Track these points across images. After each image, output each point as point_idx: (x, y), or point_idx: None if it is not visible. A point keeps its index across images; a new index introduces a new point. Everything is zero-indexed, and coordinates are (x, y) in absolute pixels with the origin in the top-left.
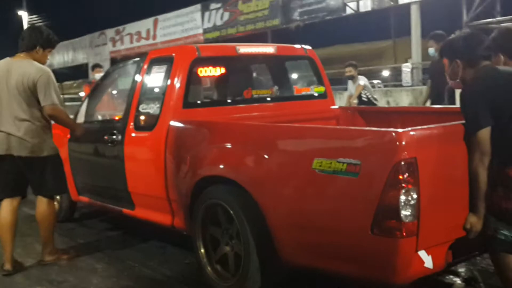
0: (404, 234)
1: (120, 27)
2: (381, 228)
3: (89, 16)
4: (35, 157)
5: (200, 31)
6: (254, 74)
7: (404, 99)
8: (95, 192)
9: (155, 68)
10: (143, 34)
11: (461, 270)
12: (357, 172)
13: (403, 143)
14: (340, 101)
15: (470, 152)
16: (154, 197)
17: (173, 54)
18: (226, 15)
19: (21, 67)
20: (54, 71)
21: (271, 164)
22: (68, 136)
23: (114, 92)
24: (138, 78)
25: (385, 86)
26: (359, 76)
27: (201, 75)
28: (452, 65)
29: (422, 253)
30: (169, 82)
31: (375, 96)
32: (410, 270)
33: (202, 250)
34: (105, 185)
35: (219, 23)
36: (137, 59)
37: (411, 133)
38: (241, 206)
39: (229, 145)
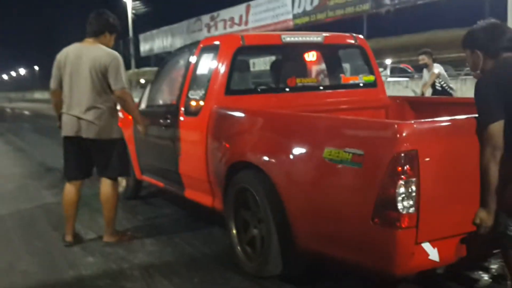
0: (403, 225)
1: (215, 13)
2: (381, 218)
3: (187, 1)
4: (102, 139)
5: (290, 16)
6: (301, 63)
7: None
8: (154, 172)
9: (204, 56)
10: (236, 20)
11: (493, 266)
12: (360, 162)
13: (404, 134)
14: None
15: (482, 146)
16: (198, 179)
17: (219, 43)
18: (316, 0)
19: (93, 52)
20: (155, 55)
21: (289, 152)
22: None
23: (172, 78)
24: (190, 65)
25: None
26: (434, 64)
27: (245, 63)
28: (473, 56)
29: (426, 246)
30: (213, 69)
31: (451, 85)
32: (412, 262)
33: (234, 231)
34: (161, 166)
35: (308, 8)
36: (191, 46)
37: (414, 125)
38: (264, 191)
39: (254, 132)
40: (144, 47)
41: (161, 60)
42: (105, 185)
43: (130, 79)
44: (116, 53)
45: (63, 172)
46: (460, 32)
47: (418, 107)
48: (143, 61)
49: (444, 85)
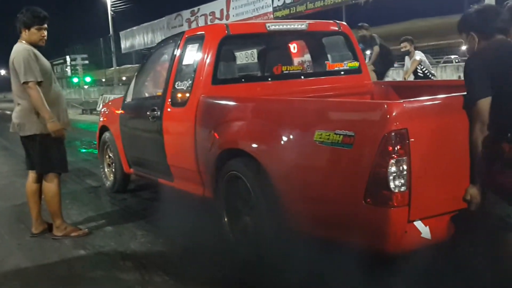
0: (395, 204)
1: (195, 8)
2: (373, 198)
3: None
4: (23, 136)
5: (270, 9)
6: (286, 51)
7: None
8: (142, 165)
9: (189, 47)
10: (217, 15)
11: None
12: (351, 143)
13: (394, 114)
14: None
15: (471, 123)
16: (187, 169)
17: (204, 33)
18: None
19: (12, 51)
20: (136, 52)
21: (279, 137)
22: (120, 111)
23: (157, 69)
24: (175, 56)
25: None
26: (416, 51)
27: (230, 52)
28: (468, 38)
29: (418, 224)
30: (199, 59)
31: (432, 72)
32: (405, 240)
33: (226, 219)
34: (150, 158)
35: (288, 0)
36: (175, 38)
37: (404, 105)
38: (255, 178)
39: (243, 119)
40: (125, 44)
41: (143, 57)
42: (44, 180)
43: (111, 77)
44: (22, 47)
45: None
46: (438, 20)
47: (403, 91)
48: (124, 58)
49: (426, 71)
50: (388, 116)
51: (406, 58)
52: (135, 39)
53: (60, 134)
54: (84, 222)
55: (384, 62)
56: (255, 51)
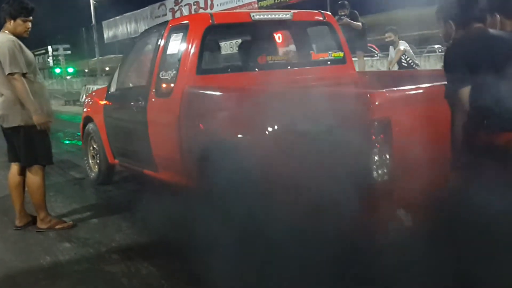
0: (378, 193)
1: None
2: (357, 188)
3: None
4: (6, 127)
5: None
6: (270, 41)
7: None
8: (127, 155)
9: (173, 36)
10: (201, 4)
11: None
12: (336, 133)
13: (376, 103)
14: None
15: (452, 112)
16: (172, 160)
17: (188, 22)
18: None
19: None
20: (120, 42)
21: (264, 127)
22: (104, 102)
23: (141, 60)
24: (159, 46)
25: None
26: (400, 41)
27: (215, 42)
28: (446, 26)
29: (400, 211)
30: (184, 49)
31: (416, 62)
32: (388, 228)
33: None
34: (134, 149)
35: None
36: (159, 27)
37: (386, 94)
38: None
39: (228, 109)
40: (107, 34)
41: (126, 47)
42: (28, 172)
43: (94, 67)
44: (6, 38)
45: None
46: (422, 10)
47: (387, 81)
48: (107, 48)
49: (410, 61)
50: (370, 105)
51: (391, 48)
52: (118, 29)
53: (46, 126)
54: (68, 215)
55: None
56: (240, 41)
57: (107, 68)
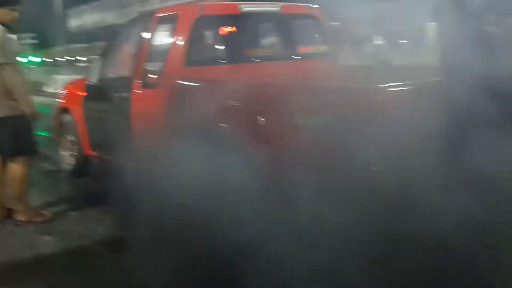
0: None
1: None
2: None
3: None
4: None
5: None
6: (259, 33)
7: None
8: (106, 147)
9: (161, 27)
10: None
11: None
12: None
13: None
14: None
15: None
16: (156, 153)
17: (178, 13)
18: None
19: None
20: (86, 31)
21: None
22: (83, 93)
23: (126, 50)
24: (145, 36)
25: None
26: (378, 36)
27: (204, 33)
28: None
29: None
30: (172, 40)
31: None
32: None
33: None
34: (115, 141)
35: None
36: (145, 17)
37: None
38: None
39: (218, 102)
40: (74, 23)
41: (94, 36)
42: (13, 163)
43: (60, 57)
44: None
45: None
46: (403, 3)
47: (372, 75)
48: (73, 37)
49: (389, 55)
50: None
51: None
52: (84, 18)
53: (37, 117)
54: (45, 207)
55: None
56: (228, 33)
57: (72, 58)
